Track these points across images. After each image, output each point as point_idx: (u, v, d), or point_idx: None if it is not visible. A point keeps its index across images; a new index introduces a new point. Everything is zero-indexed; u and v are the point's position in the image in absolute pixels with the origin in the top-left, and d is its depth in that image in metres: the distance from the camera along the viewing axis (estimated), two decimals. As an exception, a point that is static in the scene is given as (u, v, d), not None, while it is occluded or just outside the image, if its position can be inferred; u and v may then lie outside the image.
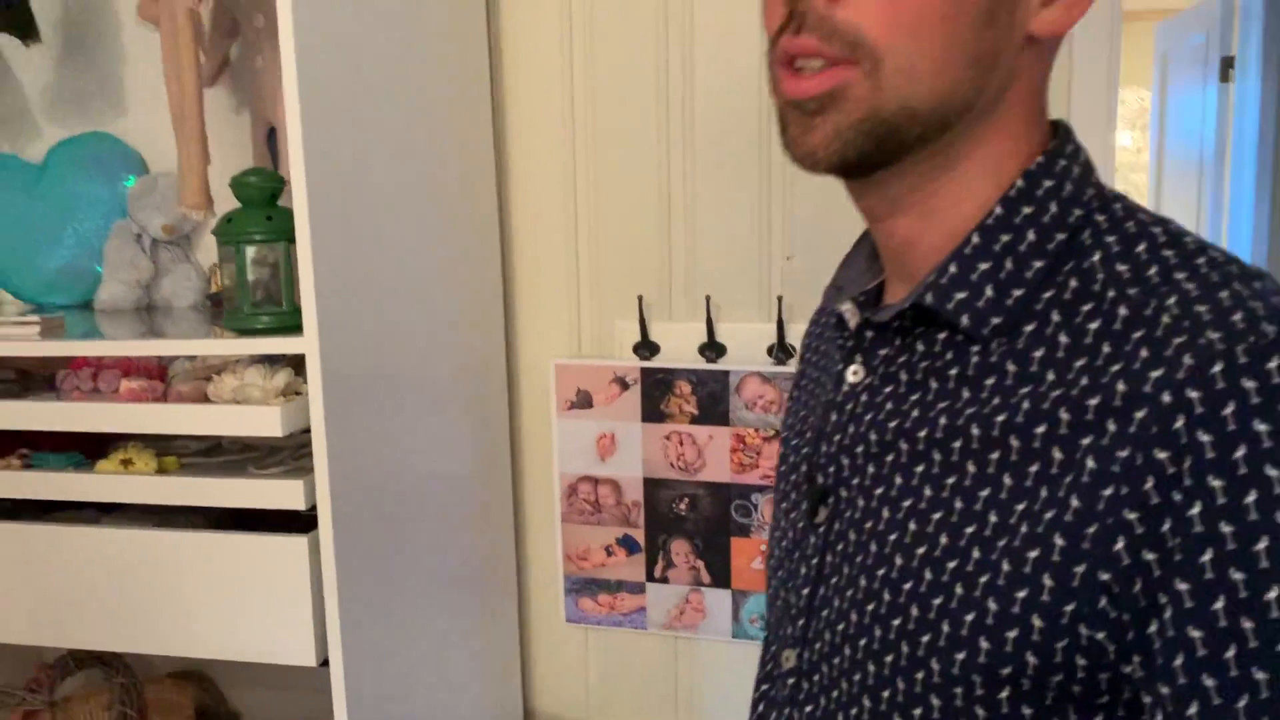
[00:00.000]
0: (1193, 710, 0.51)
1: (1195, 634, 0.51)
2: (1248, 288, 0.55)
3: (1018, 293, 0.62)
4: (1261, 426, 0.50)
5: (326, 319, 1.26)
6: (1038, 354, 0.59)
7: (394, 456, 1.43)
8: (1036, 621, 0.56)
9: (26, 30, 1.66)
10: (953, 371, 0.63)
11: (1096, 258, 0.60)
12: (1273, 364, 0.51)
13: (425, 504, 1.52)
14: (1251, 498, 0.50)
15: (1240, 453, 0.51)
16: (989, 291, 0.62)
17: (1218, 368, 0.52)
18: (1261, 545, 0.50)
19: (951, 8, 0.57)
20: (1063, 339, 0.59)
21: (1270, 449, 0.50)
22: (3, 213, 1.92)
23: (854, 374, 0.69)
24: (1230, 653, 0.50)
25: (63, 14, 1.90)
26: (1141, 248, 0.60)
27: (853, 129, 0.59)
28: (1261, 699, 0.50)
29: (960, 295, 0.62)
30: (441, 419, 1.57)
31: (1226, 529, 0.51)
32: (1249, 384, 0.51)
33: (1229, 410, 0.51)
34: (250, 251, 1.32)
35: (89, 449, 1.52)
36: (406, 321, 1.47)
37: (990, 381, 0.61)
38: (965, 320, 0.62)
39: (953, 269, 0.63)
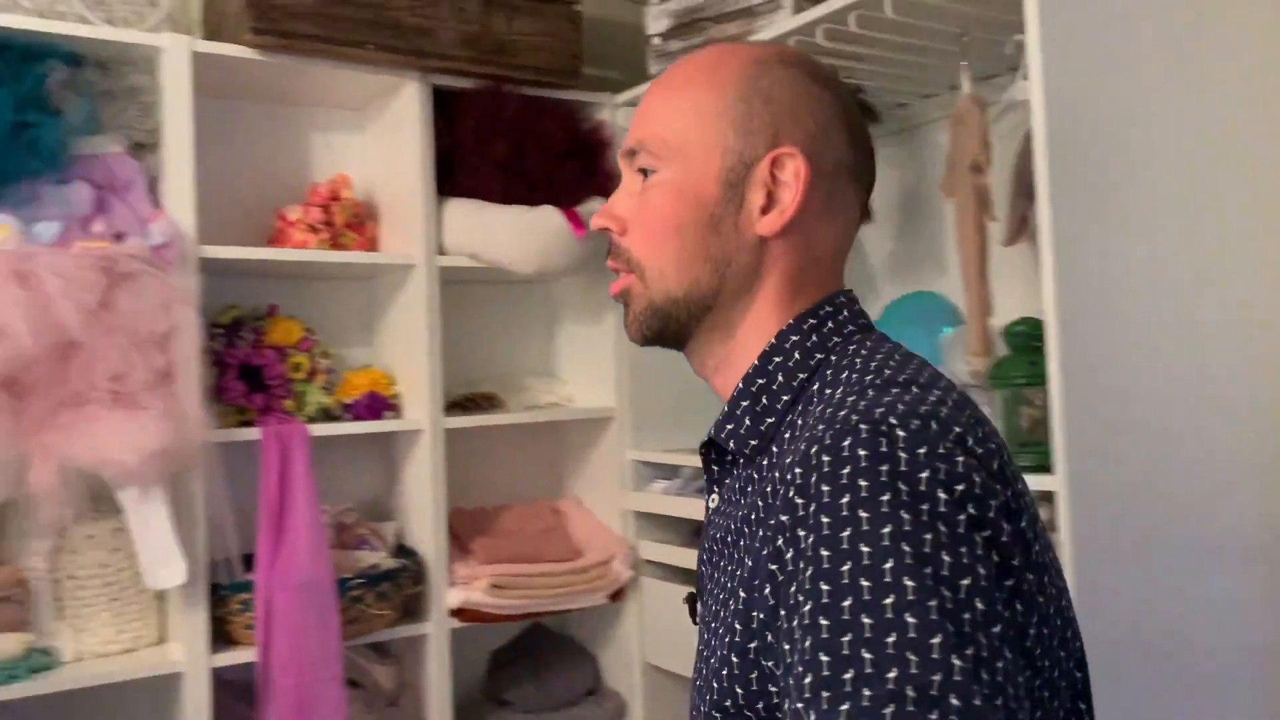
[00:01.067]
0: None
1: (789, 659, 0.65)
2: (881, 395, 0.72)
3: (770, 420, 0.81)
4: (825, 487, 0.66)
5: (1077, 460, 1.30)
6: (764, 462, 0.80)
7: (1152, 614, 1.38)
8: (734, 659, 0.72)
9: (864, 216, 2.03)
10: (737, 485, 0.82)
11: (815, 387, 0.80)
12: (845, 442, 0.67)
13: (1194, 668, 1.43)
14: (812, 539, 0.66)
15: (813, 507, 0.66)
16: (747, 422, 0.82)
17: (813, 449, 0.69)
18: (822, 583, 0.64)
19: (680, 228, 0.82)
20: (783, 448, 0.79)
21: (828, 503, 0.66)
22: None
23: (713, 501, 0.88)
24: (799, 670, 0.63)
25: (900, 194, 2.26)
26: (844, 376, 0.78)
27: (641, 315, 0.85)
28: (822, 710, 0.60)
29: (729, 427, 0.83)
30: (1222, 578, 1.46)
31: (806, 570, 0.65)
32: (825, 457, 0.67)
33: (812, 478, 0.67)
34: (1012, 394, 1.43)
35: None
36: (1169, 469, 1.42)
37: (748, 489, 0.80)
38: (732, 445, 0.83)
39: (726, 410, 0.84)
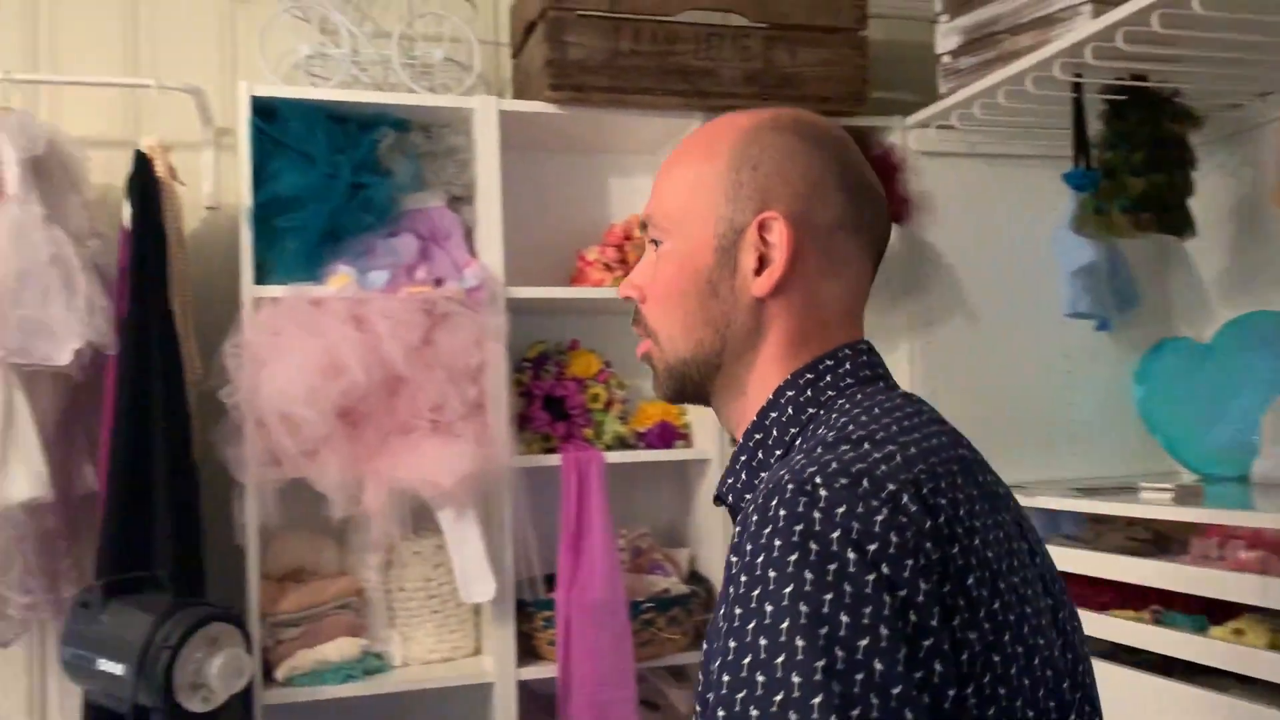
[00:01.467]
0: None
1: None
2: (825, 453, 0.74)
3: (763, 474, 0.82)
4: (748, 546, 0.71)
5: None
6: None
7: None
8: (697, 707, 0.73)
9: (1181, 230, 1.85)
10: (734, 534, 0.76)
11: (799, 443, 0.82)
12: (773, 501, 0.71)
13: None
14: (731, 595, 0.70)
15: (737, 566, 0.71)
16: (743, 476, 0.86)
17: (751, 508, 0.73)
18: (730, 640, 0.68)
19: (683, 295, 0.87)
20: None
21: (747, 562, 0.70)
22: (1175, 390, 2.12)
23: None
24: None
25: (1233, 203, 2.04)
26: (819, 432, 0.80)
27: (661, 377, 0.91)
28: None
29: (729, 481, 0.87)
30: None
31: (722, 625, 0.70)
32: (754, 516, 0.72)
33: (743, 537, 0.72)
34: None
35: (1216, 613, 1.57)
36: None
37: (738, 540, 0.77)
38: (730, 499, 0.88)
39: (729, 463, 0.88)
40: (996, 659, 0.70)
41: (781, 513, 0.69)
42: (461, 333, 1.88)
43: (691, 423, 2.19)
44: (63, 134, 1.81)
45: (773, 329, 0.86)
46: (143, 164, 1.78)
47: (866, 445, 0.74)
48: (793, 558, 0.67)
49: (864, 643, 0.64)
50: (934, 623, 0.67)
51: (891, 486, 0.71)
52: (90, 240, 1.80)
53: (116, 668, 1.47)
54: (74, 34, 2.05)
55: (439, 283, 1.91)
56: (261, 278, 1.85)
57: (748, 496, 0.83)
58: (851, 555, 0.67)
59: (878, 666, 0.64)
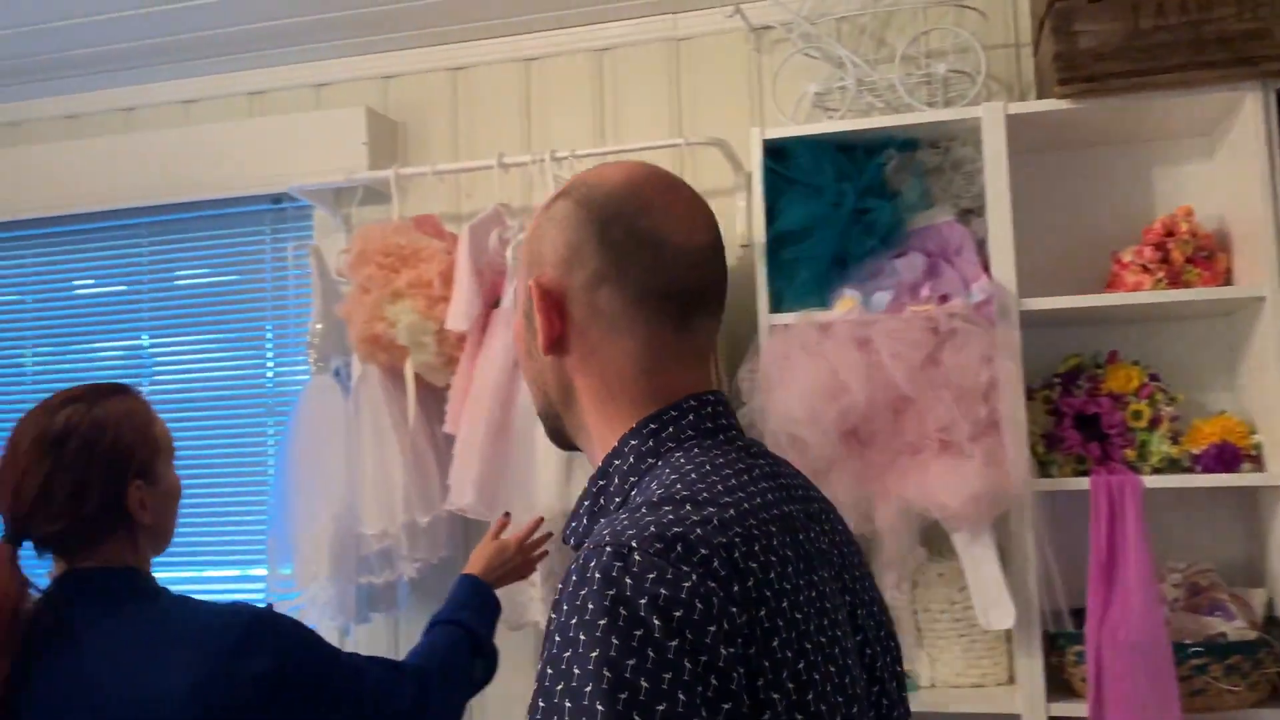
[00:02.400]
0: None
1: None
2: (647, 514, 0.77)
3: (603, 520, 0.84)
4: (564, 605, 0.74)
5: None
6: None
7: None
8: None
9: None
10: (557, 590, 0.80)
11: (633, 493, 0.86)
12: (591, 563, 0.74)
13: None
14: (545, 654, 0.73)
15: (553, 625, 0.74)
16: (585, 521, 0.90)
17: (572, 566, 0.76)
18: (540, 700, 0.71)
19: (519, 357, 1.00)
20: None
21: (562, 623, 0.73)
22: None
23: None
24: None
25: None
26: (651, 485, 0.83)
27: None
28: None
29: (573, 524, 0.91)
30: None
31: (537, 683, 0.73)
32: (573, 576, 0.74)
33: (561, 595, 0.75)
34: None
35: None
36: None
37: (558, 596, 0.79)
38: (571, 541, 0.91)
39: (575, 507, 0.92)
40: (800, 717, 0.74)
41: (597, 575, 0.72)
42: (969, 350, 1.83)
43: (1263, 443, 1.87)
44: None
45: (577, 384, 0.91)
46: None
47: (688, 507, 0.77)
48: (602, 622, 0.70)
49: (662, 707, 0.68)
50: (734, 686, 0.71)
51: (704, 551, 0.73)
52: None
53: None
54: (632, 107, 2.38)
55: (944, 300, 1.89)
56: (776, 306, 1.98)
57: (586, 541, 0.82)
58: (657, 622, 0.70)
59: None
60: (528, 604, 1.94)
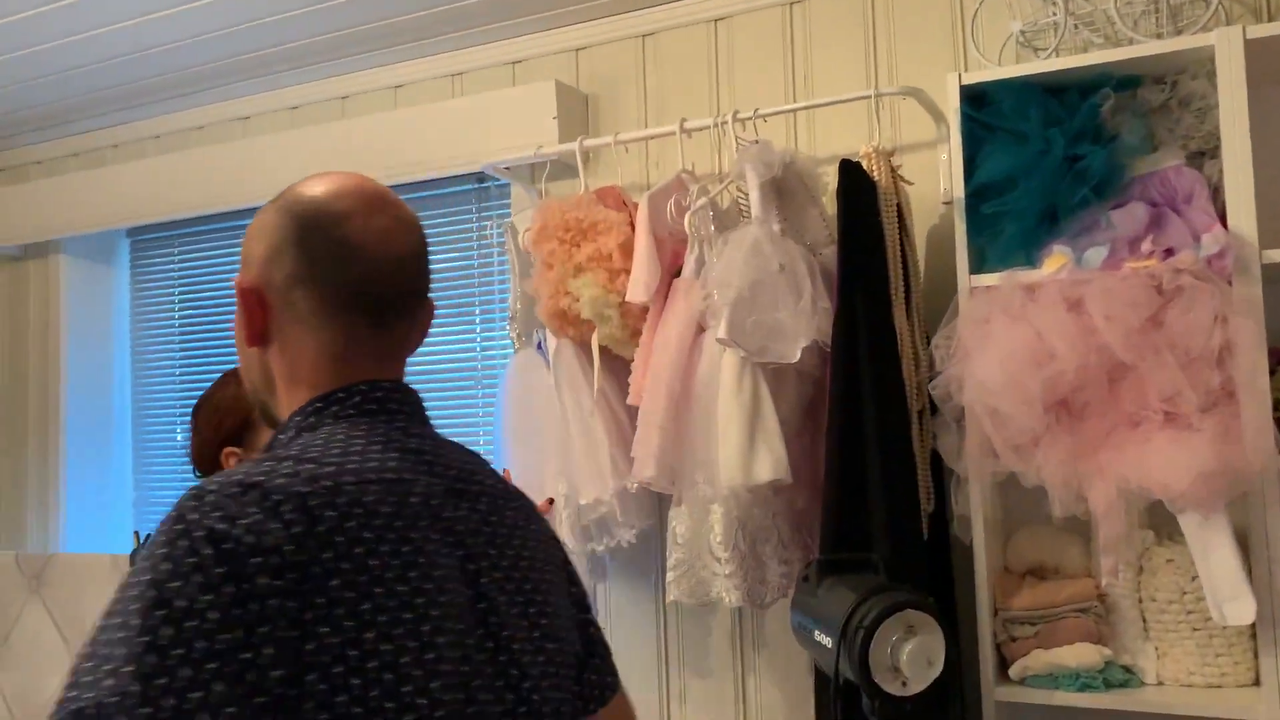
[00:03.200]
0: None
1: None
2: (252, 467, 0.88)
3: None
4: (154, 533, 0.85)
5: None
6: None
7: None
8: None
9: None
10: None
11: None
12: (179, 500, 0.84)
13: None
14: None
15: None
16: None
17: None
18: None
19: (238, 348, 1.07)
20: None
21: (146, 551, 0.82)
22: None
23: None
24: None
25: None
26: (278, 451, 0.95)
27: None
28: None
29: None
30: None
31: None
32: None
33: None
34: None
35: None
36: None
37: None
38: None
39: None
40: (353, 653, 0.82)
41: (173, 513, 0.83)
42: (1198, 310, 1.62)
43: None
44: (802, 155, 2.01)
45: (274, 371, 1.02)
46: (848, 172, 1.87)
47: (289, 464, 0.88)
48: (162, 551, 0.80)
49: (193, 623, 0.77)
50: (270, 613, 0.79)
51: (277, 497, 0.84)
52: (826, 248, 1.98)
53: (826, 640, 1.59)
54: (824, 60, 2.26)
55: (1169, 254, 1.68)
56: (978, 266, 1.83)
57: None
58: (208, 550, 0.80)
59: (198, 645, 0.77)
60: (712, 579, 1.90)
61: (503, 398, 2.23)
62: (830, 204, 2.06)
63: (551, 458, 2.09)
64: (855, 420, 1.76)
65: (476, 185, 2.71)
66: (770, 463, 1.80)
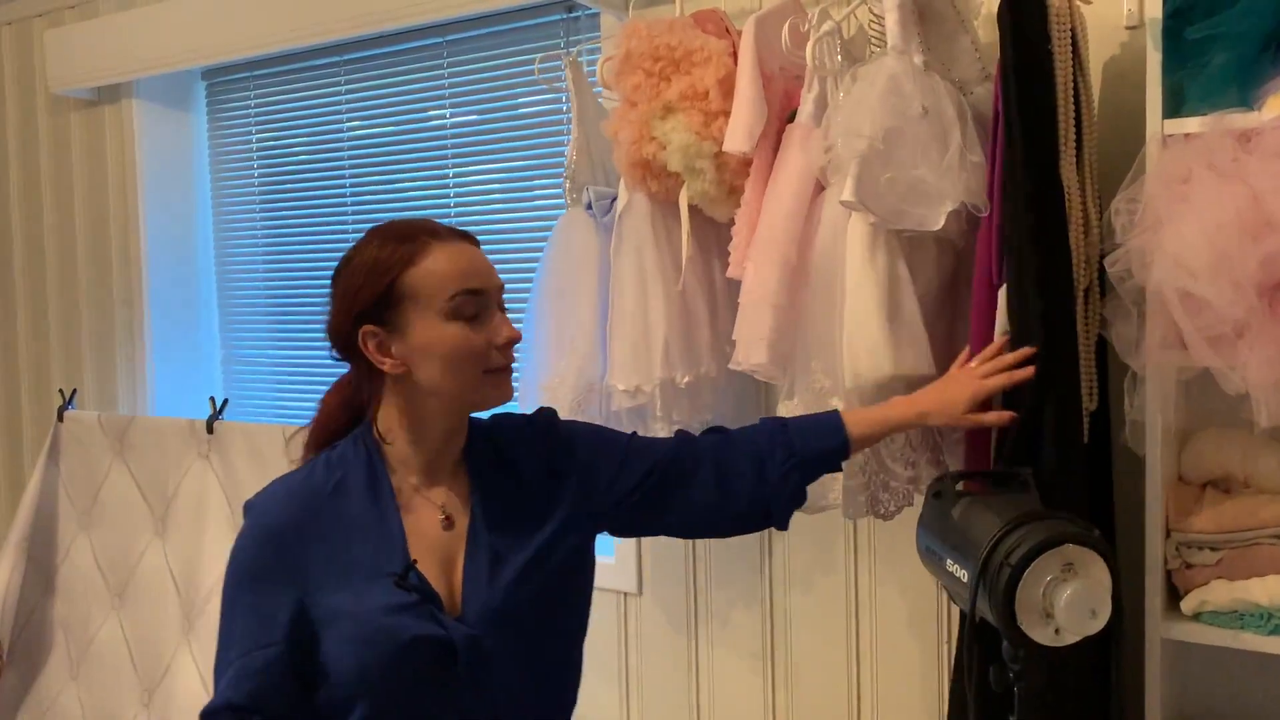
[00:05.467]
0: None
1: None
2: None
3: None
4: None
5: None
6: None
7: None
8: None
9: None
10: None
11: None
12: None
13: None
14: None
15: None
16: None
17: None
18: None
19: None
20: None
21: None
22: None
23: None
24: None
25: None
26: None
27: None
28: None
29: None
30: None
31: None
32: None
33: None
34: None
35: None
36: None
37: None
38: None
39: None
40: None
41: None
42: None
43: None
44: (953, -32, 1.62)
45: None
46: (1018, -14, 1.49)
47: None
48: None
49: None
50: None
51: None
52: (979, 87, 1.61)
53: (961, 571, 1.32)
54: None
55: None
56: (1175, 109, 1.44)
57: None
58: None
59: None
60: (830, 483, 1.62)
61: (541, 268, 1.92)
62: (984, 30, 1.68)
63: (581, 331, 1.81)
64: (1015, 304, 1.43)
65: (565, 15, 2.37)
66: (911, 353, 1.50)
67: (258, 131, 2.97)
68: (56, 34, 3.02)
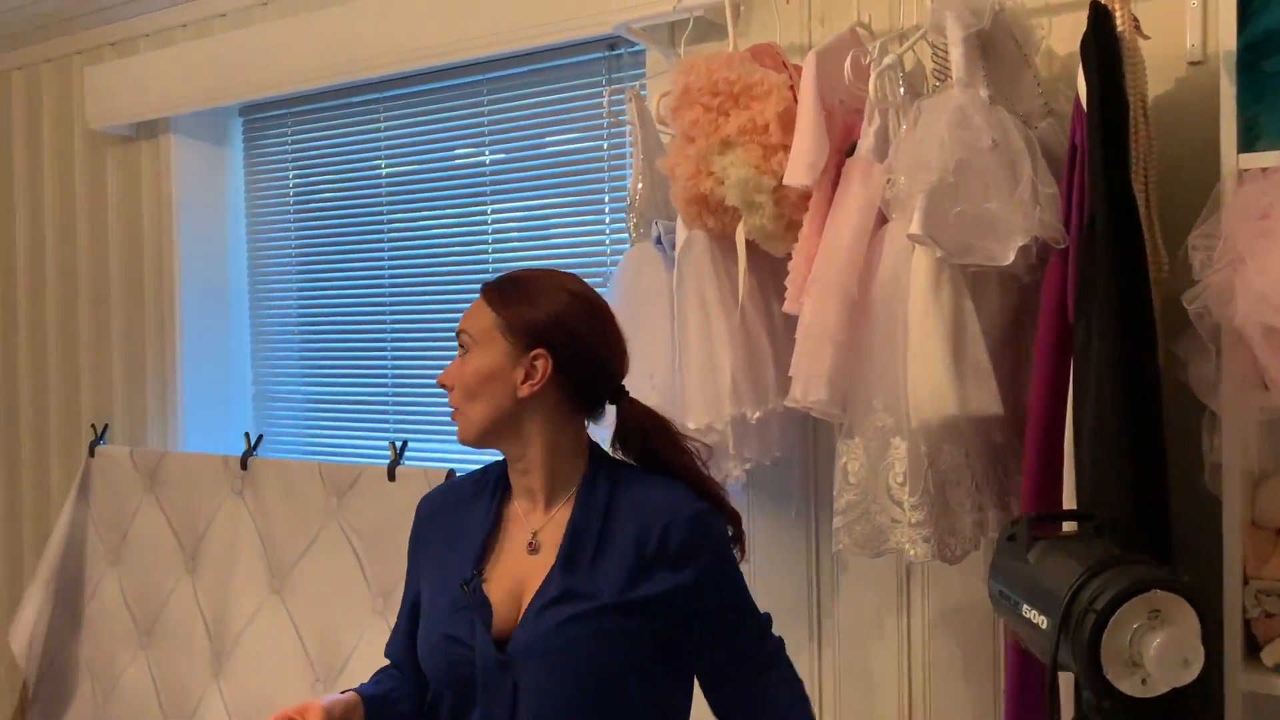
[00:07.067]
0: None
1: None
2: None
3: None
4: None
5: None
6: None
7: None
8: None
9: None
10: None
11: None
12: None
13: None
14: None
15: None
16: None
17: None
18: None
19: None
20: None
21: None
22: None
23: None
24: None
25: None
26: None
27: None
28: None
29: None
30: None
31: None
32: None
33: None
34: None
35: None
36: None
37: None
38: None
39: None
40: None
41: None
42: None
43: None
44: (1014, 3, 1.60)
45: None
46: (1101, 19, 1.47)
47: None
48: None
49: None
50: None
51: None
52: (1042, 121, 1.58)
53: (1039, 618, 1.26)
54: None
55: None
56: (1250, 142, 1.41)
57: None
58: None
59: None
60: (890, 527, 1.57)
61: (610, 297, 1.89)
62: (1044, 65, 1.66)
63: (655, 370, 1.77)
64: (1086, 341, 1.39)
65: (607, 53, 2.36)
66: (978, 392, 1.46)
67: (294, 167, 2.96)
68: (96, 71, 3.03)
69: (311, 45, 2.59)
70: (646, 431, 1.42)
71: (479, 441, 1.42)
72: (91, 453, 2.85)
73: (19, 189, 3.39)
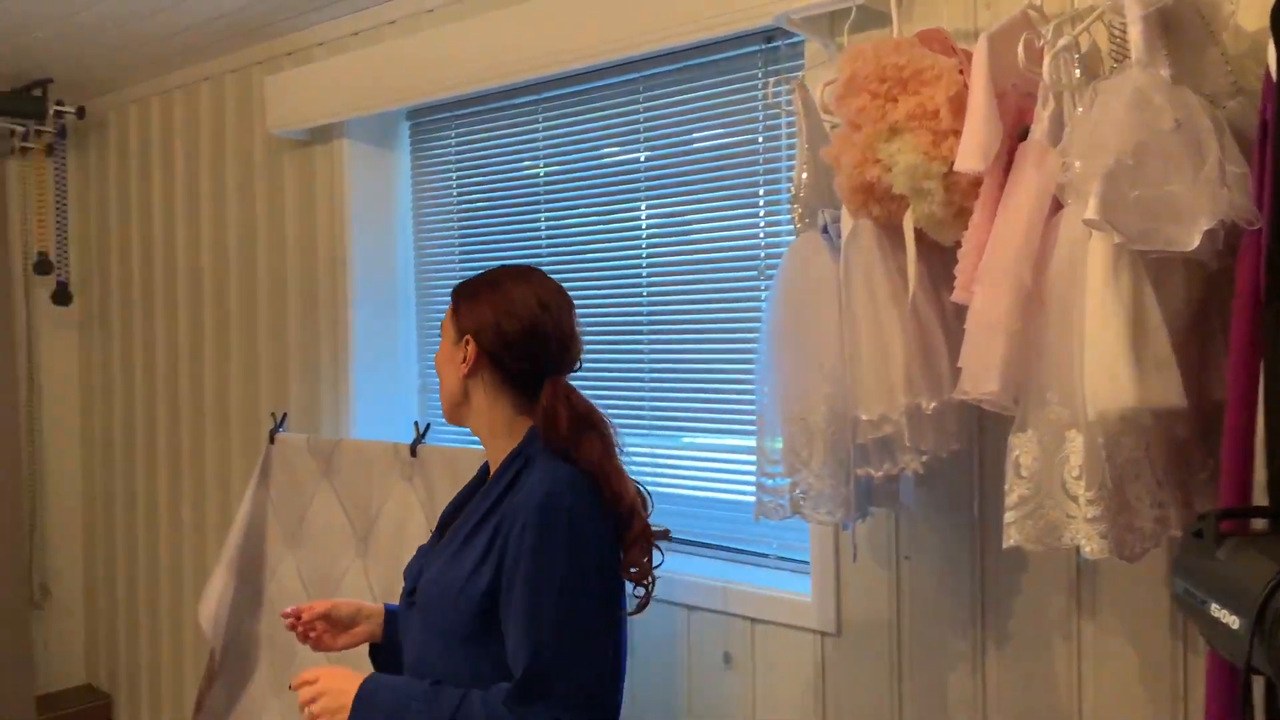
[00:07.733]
0: None
1: None
2: None
3: None
4: None
5: None
6: None
7: None
8: None
9: None
10: None
11: None
12: None
13: None
14: None
15: None
16: None
17: None
18: None
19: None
20: None
21: None
22: None
23: None
24: None
25: None
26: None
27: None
28: None
29: None
30: None
31: None
32: None
33: None
34: None
35: None
36: None
37: None
38: None
39: None
40: None
41: None
42: None
43: None
44: (1201, -23, 1.53)
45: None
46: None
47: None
48: None
49: None
50: None
51: None
52: (1230, 100, 1.51)
53: (1230, 618, 1.21)
54: None
55: None
56: None
57: None
58: None
59: None
60: (1065, 522, 1.51)
61: (775, 291, 1.88)
62: (1232, 42, 1.58)
63: (827, 360, 1.75)
64: (1277, 325, 1.32)
65: (764, 46, 2.37)
66: (1159, 383, 1.40)
67: (457, 170, 3.07)
68: (275, 80, 3.20)
69: (475, 49, 2.67)
70: (554, 418, 1.65)
71: (449, 416, 1.79)
72: (271, 439, 3.01)
73: (204, 194, 3.62)
